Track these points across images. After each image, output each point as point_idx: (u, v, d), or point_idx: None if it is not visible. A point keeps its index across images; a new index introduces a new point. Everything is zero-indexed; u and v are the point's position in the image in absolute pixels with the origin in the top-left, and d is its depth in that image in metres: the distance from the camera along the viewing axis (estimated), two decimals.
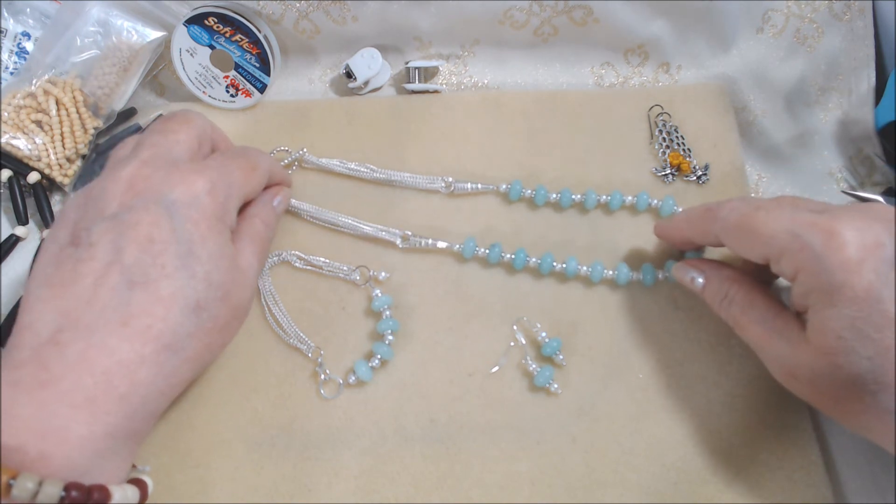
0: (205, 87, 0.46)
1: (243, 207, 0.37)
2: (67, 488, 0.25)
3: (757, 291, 0.33)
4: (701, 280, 0.35)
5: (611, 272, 0.39)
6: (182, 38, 0.45)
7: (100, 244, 0.29)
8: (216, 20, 0.44)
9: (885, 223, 0.27)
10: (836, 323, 0.27)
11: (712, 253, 0.40)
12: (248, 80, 0.46)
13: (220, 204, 0.32)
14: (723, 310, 0.34)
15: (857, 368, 0.27)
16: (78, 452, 0.26)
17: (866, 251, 0.27)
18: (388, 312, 0.39)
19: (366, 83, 0.47)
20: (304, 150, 0.44)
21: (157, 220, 0.30)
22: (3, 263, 0.42)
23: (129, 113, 0.47)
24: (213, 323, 0.31)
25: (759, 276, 0.34)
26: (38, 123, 0.43)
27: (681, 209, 0.41)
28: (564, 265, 0.39)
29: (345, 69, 0.47)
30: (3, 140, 0.42)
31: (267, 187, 0.39)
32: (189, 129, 0.35)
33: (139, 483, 0.30)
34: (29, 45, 0.45)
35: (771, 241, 0.29)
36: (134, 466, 0.31)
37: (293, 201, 0.42)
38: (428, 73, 0.48)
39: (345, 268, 0.40)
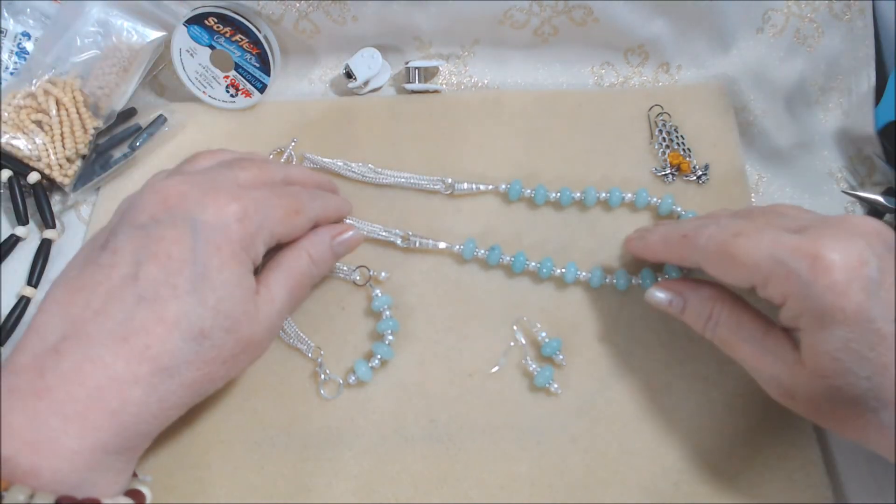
0: (205, 87, 0.46)
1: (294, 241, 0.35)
2: (59, 502, 0.25)
3: (742, 309, 0.32)
4: (680, 303, 0.34)
5: (610, 278, 0.39)
6: (182, 38, 0.45)
7: (122, 252, 0.29)
8: (216, 20, 0.44)
9: (866, 238, 0.27)
10: (830, 345, 0.27)
11: None
12: (248, 80, 0.46)
13: (248, 234, 0.30)
14: (708, 331, 0.33)
15: (855, 389, 0.27)
16: (69, 465, 0.26)
17: (852, 271, 0.26)
18: (388, 312, 0.39)
19: (366, 83, 0.47)
20: (294, 142, 0.44)
21: (180, 237, 0.29)
22: (3, 263, 0.42)
23: (129, 113, 0.47)
24: (215, 353, 0.29)
25: (742, 293, 0.33)
26: (38, 123, 0.43)
27: (680, 208, 0.41)
28: (563, 270, 0.39)
29: (345, 69, 0.47)
30: (3, 140, 0.42)
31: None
32: (260, 170, 0.34)
33: (136, 494, 0.29)
34: (29, 45, 0.45)
35: (755, 268, 0.29)
36: (135, 475, 0.31)
37: None
38: (428, 73, 0.48)
39: (345, 268, 0.40)
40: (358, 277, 0.40)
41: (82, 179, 0.44)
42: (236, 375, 0.32)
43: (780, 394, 0.30)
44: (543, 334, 0.38)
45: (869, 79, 0.46)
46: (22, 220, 0.43)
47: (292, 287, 0.34)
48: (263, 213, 0.32)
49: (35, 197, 0.43)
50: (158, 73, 0.48)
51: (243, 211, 0.30)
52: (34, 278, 0.42)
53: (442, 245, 0.40)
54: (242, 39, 0.44)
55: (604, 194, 0.42)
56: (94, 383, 0.27)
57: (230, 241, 0.30)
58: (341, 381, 0.38)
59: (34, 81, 0.43)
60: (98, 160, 0.45)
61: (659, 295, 0.35)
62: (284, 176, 0.36)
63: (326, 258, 0.36)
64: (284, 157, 0.44)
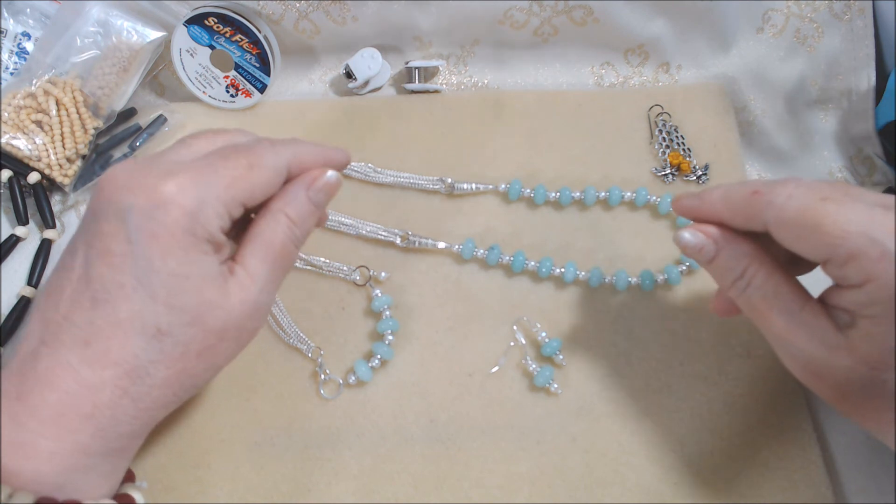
0: (205, 87, 0.46)
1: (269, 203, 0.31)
2: (39, 502, 0.25)
3: (781, 275, 0.28)
4: (712, 251, 0.30)
5: (609, 278, 0.39)
6: (182, 38, 0.45)
7: (76, 253, 0.28)
8: (216, 20, 0.44)
9: None
10: None
11: None
12: (248, 80, 0.46)
13: (187, 213, 0.26)
14: (736, 291, 0.29)
15: None
16: (48, 467, 0.26)
17: None
18: (388, 312, 0.39)
19: (366, 83, 0.47)
20: None
21: (115, 230, 0.26)
22: (3, 263, 0.42)
23: (129, 113, 0.47)
24: (182, 349, 0.27)
25: (781, 259, 0.30)
26: (38, 123, 0.43)
27: None
28: (563, 270, 0.39)
29: (345, 69, 0.47)
30: (4, 140, 0.42)
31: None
32: (215, 138, 0.30)
33: (124, 498, 0.29)
34: (29, 45, 0.45)
35: (842, 241, 0.25)
36: (132, 480, 0.31)
37: None
38: (428, 73, 0.48)
39: (345, 268, 0.40)
40: (358, 277, 0.40)
41: (82, 179, 0.44)
42: (225, 364, 0.30)
43: (806, 372, 0.28)
44: (543, 334, 0.38)
45: (869, 79, 0.46)
46: (22, 220, 0.43)
47: (274, 258, 0.30)
48: (205, 181, 0.27)
49: (35, 197, 0.43)
50: (158, 73, 0.48)
51: (178, 187, 0.26)
52: (34, 278, 0.42)
53: (441, 245, 0.40)
54: (242, 39, 0.44)
55: (603, 193, 0.42)
56: (65, 388, 0.26)
57: (167, 227, 0.26)
58: (341, 381, 0.38)
59: (34, 81, 0.43)
60: (98, 160, 0.45)
61: (689, 237, 0.30)
62: (247, 140, 0.31)
63: (307, 213, 0.31)
64: None
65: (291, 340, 0.38)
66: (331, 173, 0.31)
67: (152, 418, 0.29)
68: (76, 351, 0.26)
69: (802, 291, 0.28)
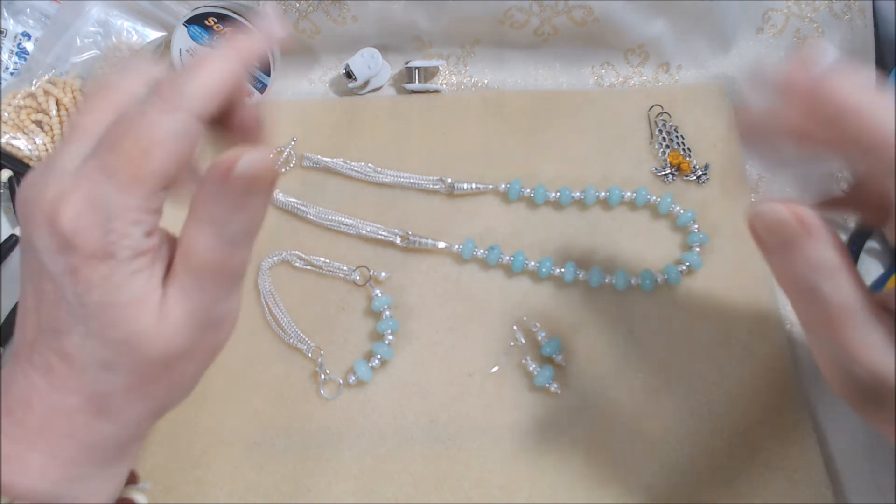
0: None
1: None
2: None
3: (859, 282, 0.24)
4: (797, 232, 0.24)
5: (609, 278, 0.39)
6: (182, 38, 0.45)
7: (30, 279, 0.26)
8: (216, 20, 0.44)
9: None
10: None
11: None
12: (247, 80, 0.46)
13: (97, 240, 0.23)
14: (805, 285, 0.24)
15: None
16: (42, 478, 0.25)
17: None
18: (388, 312, 0.39)
19: (366, 83, 0.47)
20: (293, 141, 0.44)
21: (39, 268, 0.25)
22: (3, 263, 0.42)
23: None
24: (135, 378, 0.25)
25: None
26: (38, 123, 0.43)
27: (679, 208, 0.41)
28: (563, 270, 0.39)
29: (345, 69, 0.47)
30: (4, 140, 0.42)
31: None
32: (105, 106, 0.25)
33: (125, 502, 0.29)
34: (29, 46, 0.45)
35: None
36: (135, 482, 0.31)
37: (291, 199, 0.42)
38: (428, 73, 0.48)
39: (345, 268, 0.40)
40: (358, 277, 0.40)
41: None
42: (195, 381, 0.28)
43: (845, 381, 0.25)
44: (543, 334, 0.38)
45: None
46: None
47: (200, 267, 0.25)
48: (102, 195, 0.23)
49: None
50: None
51: (75, 214, 0.23)
52: None
53: (441, 245, 0.40)
54: None
55: (603, 193, 0.42)
56: (41, 412, 0.26)
57: (82, 259, 0.23)
58: (341, 381, 0.38)
59: (34, 81, 0.43)
60: None
61: (781, 210, 0.25)
62: (141, 102, 0.24)
63: (228, 209, 0.24)
64: (284, 156, 0.44)
65: (291, 340, 0.38)
66: (245, 159, 0.23)
67: (138, 428, 0.28)
68: (44, 376, 0.26)
69: (874, 299, 0.24)
